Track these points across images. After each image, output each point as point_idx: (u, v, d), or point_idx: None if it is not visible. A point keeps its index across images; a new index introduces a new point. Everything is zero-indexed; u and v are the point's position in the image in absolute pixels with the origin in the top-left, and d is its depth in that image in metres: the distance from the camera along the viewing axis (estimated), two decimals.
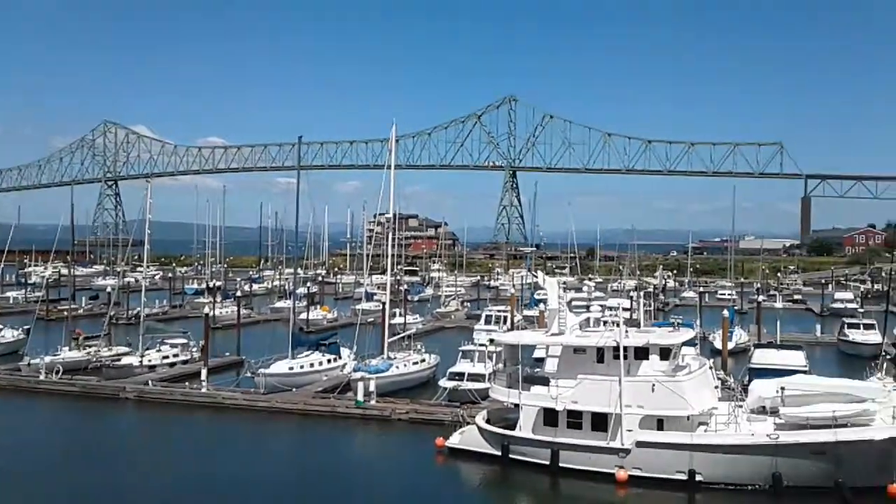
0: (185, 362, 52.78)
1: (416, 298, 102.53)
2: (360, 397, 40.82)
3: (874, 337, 57.97)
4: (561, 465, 30.38)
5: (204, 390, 44.54)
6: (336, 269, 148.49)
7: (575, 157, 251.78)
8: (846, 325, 65.41)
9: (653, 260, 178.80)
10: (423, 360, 49.67)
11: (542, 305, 45.61)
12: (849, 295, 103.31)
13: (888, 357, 44.17)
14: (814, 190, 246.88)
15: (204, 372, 45.78)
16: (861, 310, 77.45)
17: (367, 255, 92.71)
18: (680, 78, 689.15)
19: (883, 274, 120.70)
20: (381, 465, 33.73)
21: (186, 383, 46.28)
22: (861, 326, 63.32)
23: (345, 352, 50.85)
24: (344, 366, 48.79)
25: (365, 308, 63.73)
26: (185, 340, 55.12)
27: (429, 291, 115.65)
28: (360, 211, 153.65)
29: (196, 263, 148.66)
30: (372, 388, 41.35)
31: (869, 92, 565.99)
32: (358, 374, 42.79)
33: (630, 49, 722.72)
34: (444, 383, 42.91)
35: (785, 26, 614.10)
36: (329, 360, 48.94)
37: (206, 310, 59.25)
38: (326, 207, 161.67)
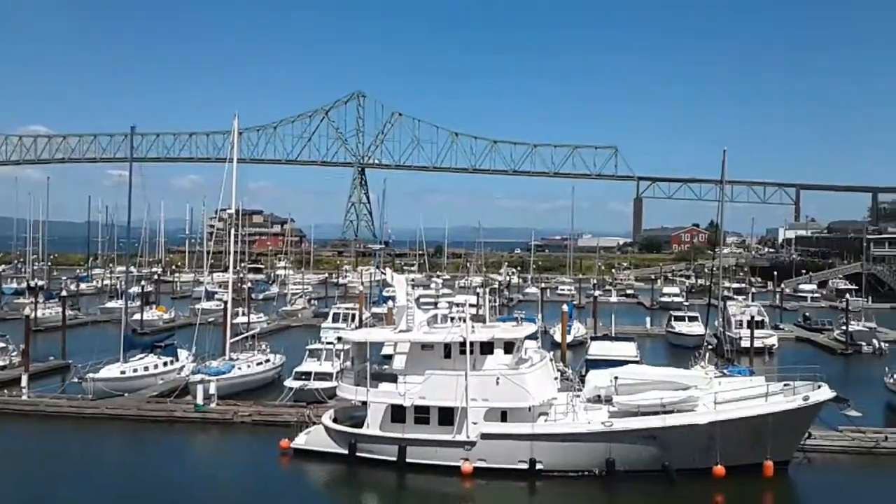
0: (2, 368, 48.53)
1: (260, 297, 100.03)
2: (199, 401, 39.07)
3: (698, 328, 62.32)
4: (408, 460, 30.49)
5: (25, 398, 41.06)
6: (174, 267, 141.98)
7: (423, 156, 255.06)
8: (673, 318, 70.01)
9: (498, 257, 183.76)
10: (268, 361, 48.35)
11: (390, 302, 45.54)
12: (675, 289, 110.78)
13: (710, 347, 47.64)
14: (645, 191, 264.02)
15: (24, 378, 42.16)
16: (686, 303, 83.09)
17: (208, 253, 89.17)
18: (522, 80, 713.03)
19: (705, 270, 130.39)
20: (223, 471, 32.42)
21: (5, 391, 42.59)
22: (686, 319, 67.96)
23: (182, 353, 48.53)
24: (181, 368, 46.53)
25: (205, 307, 61.14)
26: (2, 344, 50.71)
27: (274, 289, 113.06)
28: (199, 206, 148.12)
29: (16, 261, 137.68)
30: (212, 390, 39.71)
31: (694, 99, 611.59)
32: (197, 377, 40.98)
33: (476, 49, 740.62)
34: (290, 383, 41.94)
35: (617, 36, 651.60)
36: (165, 363, 46.49)
37: (27, 311, 54.63)
38: (162, 202, 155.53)
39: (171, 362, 47.01)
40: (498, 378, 30.66)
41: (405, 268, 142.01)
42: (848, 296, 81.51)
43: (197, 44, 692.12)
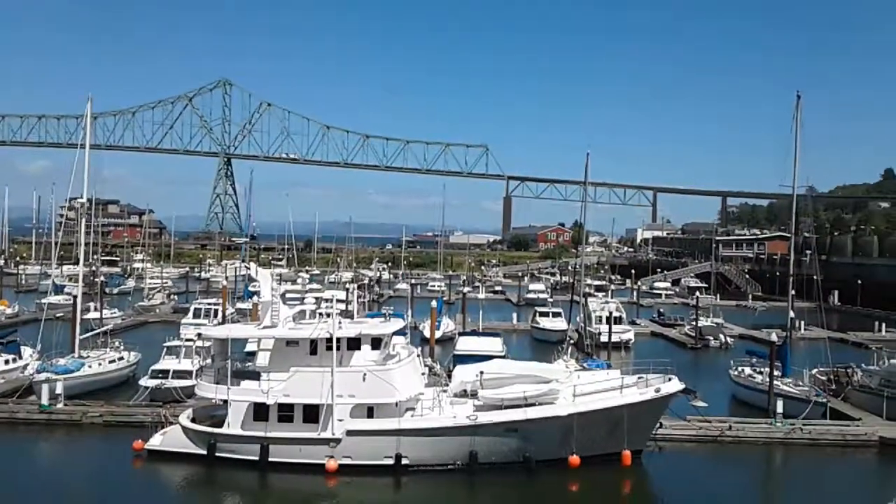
0: None
1: (115, 291, 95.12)
2: (44, 401, 36.49)
3: (561, 324, 64.37)
4: (271, 459, 29.70)
5: None
6: (18, 259, 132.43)
7: (293, 147, 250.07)
8: (537, 314, 72.00)
9: (370, 253, 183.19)
10: (122, 358, 45.80)
11: (255, 298, 44.25)
12: (541, 286, 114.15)
13: (572, 341, 49.29)
14: (514, 190, 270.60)
15: None
16: (551, 300, 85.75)
17: (56, 244, 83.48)
18: (396, 76, 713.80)
19: (569, 267, 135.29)
20: (70, 475, 30.36)
21: None
22: (550, 315, 70.05)
23: (27, 351, 45.20)
24: (25, 366, 43.28)
25: (52, 302, 57.16)
26: None
27: (130, 283, 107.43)
28: (48, 194, 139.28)
29: None
30: (59, 390, 37.17)
31: (561, 101, 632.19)
32: (42, 375, 38.24)
33: (343, 38, 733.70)
34: (146, 382, 39.91)
35: (485, 38, 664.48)
36: (6, 361, 43.14)
37: None
38: (7, 189, 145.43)
39: (14, 360, 43.67)
40: (365, 374, 30.41)
41: (273, 262, 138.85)
42: (698, 293, 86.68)
43: (52, 23, 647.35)
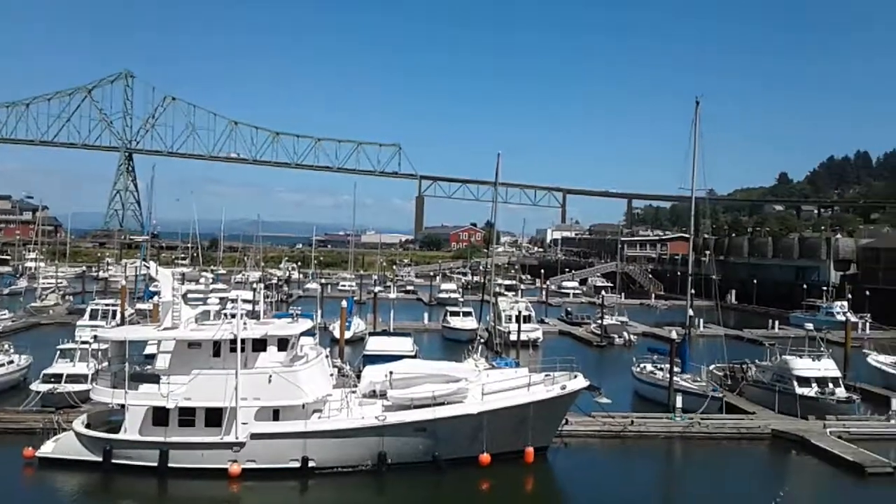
0: None
1: (5, 291, 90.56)
2: None
3: (471, 323, 64.71)
4: (171, 465, 28.64)
5: None
6: None
7: (199, 143, 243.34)
8: (448, 313, 72.23)
9: (278, 252, 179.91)
10: (11, 362, 43.37)
11: (156, 298, 42.61)
12: (452, 286, 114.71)
13: (482, 340, 49.63)
14: (427, 190, 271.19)
15: None
16: (462, 299, 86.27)
17: None
18: (304, 72, 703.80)
19: (480, 267, 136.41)
20: None
21: None
22: (461, 314, 70.35)
23: None
24: None
25: None
26: None
27: (22, 283, 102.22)
28: None
29: None
30: None
31: (472, 102, 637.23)
32: None
33: (256, 32, 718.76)
34: (37, 387, 37.82)
35: (397, 36, 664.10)
36: None
37: None
38: None
39: None
40: (270, 376, 29.74)
41: (176, 261, 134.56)
42: (604, 292, 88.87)
43: None
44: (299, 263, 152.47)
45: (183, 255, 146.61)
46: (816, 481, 32.51)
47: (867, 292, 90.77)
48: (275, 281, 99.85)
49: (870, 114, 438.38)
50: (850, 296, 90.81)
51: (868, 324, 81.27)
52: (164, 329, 31.85)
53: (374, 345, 48.24)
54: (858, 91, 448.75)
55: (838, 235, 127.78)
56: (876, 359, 51.12)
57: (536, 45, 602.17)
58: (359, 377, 35.95)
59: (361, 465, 29.67)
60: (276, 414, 29.70)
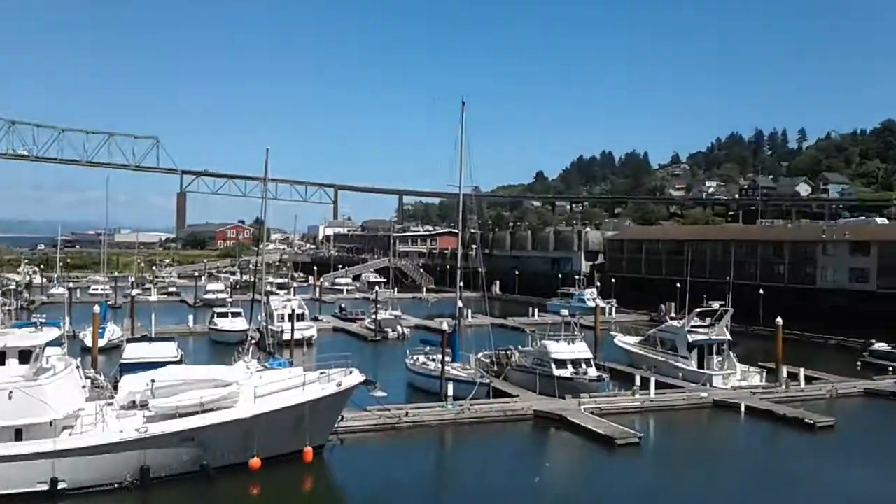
0: None
1: None
2: None
3: (241, 324, 62.49)
4: None
5: None
6: None
7: None
8: (216, 315, 69.12)
9: (16, 254, 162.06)
10: None
11: None
12: (220, 286, 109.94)
13: (253, 341, 48.01)
14: (189, 185, 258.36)
15: None
16: (230, 299, 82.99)
17: None
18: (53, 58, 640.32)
19: (250, 266, 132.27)
20: None
21: None
22: (229, 315, 67.64)
23: None
24: None
25: None
26: None
27: None
28: None
29: None
30: None
31: (238, 94, 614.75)
32: None
33: None
34: None
35: (156, 25, 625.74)
36: None
37: None
38: None
39: None
40: (11, 392, 26.51)
41: None
42: (377, 288, 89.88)
43: None
44: (42, 266, 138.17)
45: None
46: (574, 454, 35.13)
47: (613, 280, 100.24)
48: (13, 286, 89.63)
49: (613, 118, 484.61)
50: (598, 283, 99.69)
51: (614, 308, 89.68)
52: None
53: (133, 352, 44.89)
54: (604, 96, 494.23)
55: (587, 229, 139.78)
56: (622, 340, 56.39)
57: (308, 36, 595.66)
58: (116, 388, 33.27)
59: (122, 481, 27.32)
60: (18, 434, 26.51)
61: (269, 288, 76.35)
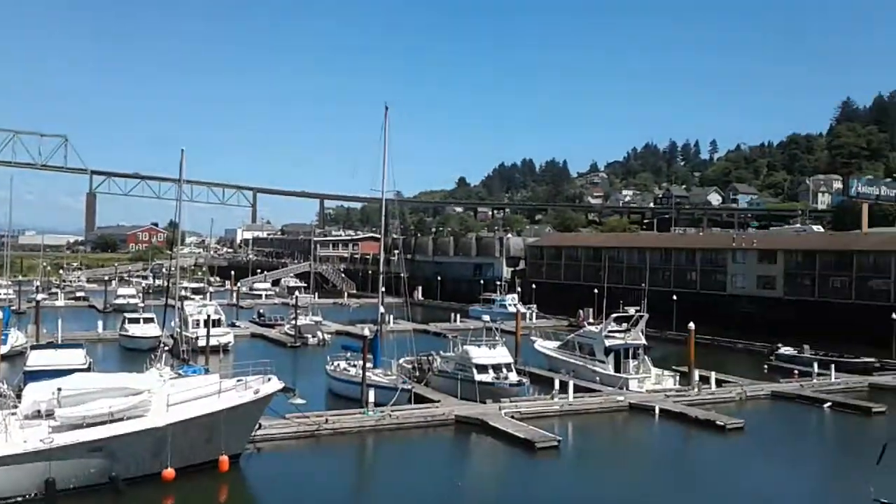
0: None
1: None
2: None
3: (153, 330, 60.53)
4: None
5: None
6: None
7: None
8: (127, 321, 66.69)
9: None
10: None
11: None
12: (131, 291, 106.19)
13: (166, 348, 46.36)
14: (99, 186, 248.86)
15: None
16: (142, 305, 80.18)
17: None
18: None
19: (164, 270, 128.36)
20: None
21: None
22: (141, 321, 65.40)
23: None
24: None
25: None
26: None
27: None
28: None
29: None
30: None
31: (150, 94, 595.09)
32: None
33: None
34: None
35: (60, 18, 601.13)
36: None
37: None
38: None
39: None
40: None
41: None
42: (297, 293, 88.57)
43: None
44: None
45: None
46: (494, 459, 35.28)
47: (533, 285, 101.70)
48: None
49: (534, 126, 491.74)
50: (519, 289, 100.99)
51: (535, 314, 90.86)
52: None
53: (38, 359, 42.83)
54: (525, 104, 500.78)
55: (509, 235, 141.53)
56: (542, 345, 57.12)
57: (228, 36, 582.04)
58: (19, 397, 31.61)
59: (25, 495, 25.94)
60: None
61: (183, 293, 74.28)
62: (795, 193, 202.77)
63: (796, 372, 53.23)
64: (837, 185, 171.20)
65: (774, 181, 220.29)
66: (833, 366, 53.30)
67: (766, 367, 58.00)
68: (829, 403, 45.28)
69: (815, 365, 53.48)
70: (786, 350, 60.41)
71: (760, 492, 30.42)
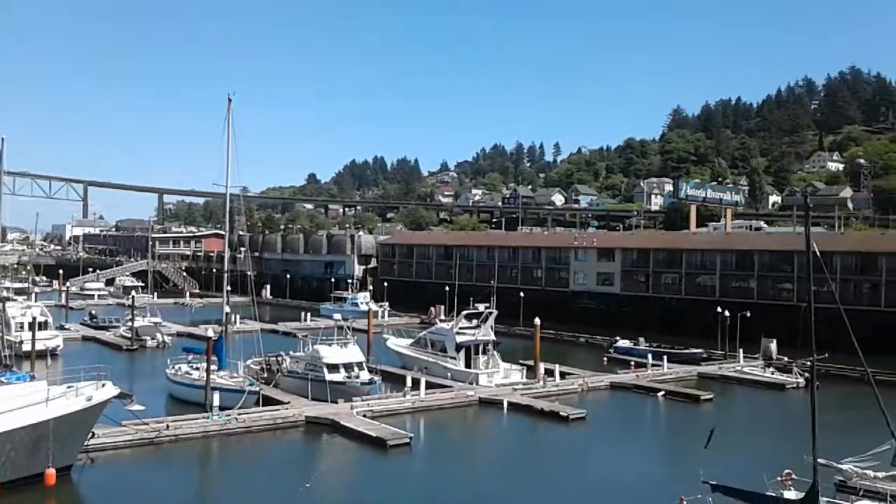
0: None
1: None
2: None
3: None
4: None
5: None
6: None
7: None
8: None
9: None
10: None
11: None
12: None
13: None
14: None
15: None
16: None
17: None
18: None
19: None
20: None
21: None
22: None
23: None
24: None
25: None
26: None
27: None
28: None
29: None
30: None
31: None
32: None
33: None
34: None
35: None
36: None
37: None
38: None
39: None
40: None
41: None
42: (134, 292, 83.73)
43: None
44: None
45: None
46: (346, 459, 34.83)
47: (385, 283, 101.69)
48: None
49: (386, 124, 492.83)
50: (371, 287, 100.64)
51: (387, 311, 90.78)
52: None
53: None
54: (376, 102, 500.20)
55: (360, 233, 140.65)
56: (394, 342, 57.09)
57: (57, 20, 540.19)
58: None
59: None
60: None
61: (5, 293, 68.42)
62: (631, 195, 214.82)
63: (633, 363, 56.35)
64: (669, 187, 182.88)
65: (612, 183, 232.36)
66: (665, 357, 56.88)
67: (605, 359, 60.98)
68: (662, 392, 48.25)
69: (650, 356, 56.85)
70: (623, 343, 63.84)
71: (603, 478, 31.83)
